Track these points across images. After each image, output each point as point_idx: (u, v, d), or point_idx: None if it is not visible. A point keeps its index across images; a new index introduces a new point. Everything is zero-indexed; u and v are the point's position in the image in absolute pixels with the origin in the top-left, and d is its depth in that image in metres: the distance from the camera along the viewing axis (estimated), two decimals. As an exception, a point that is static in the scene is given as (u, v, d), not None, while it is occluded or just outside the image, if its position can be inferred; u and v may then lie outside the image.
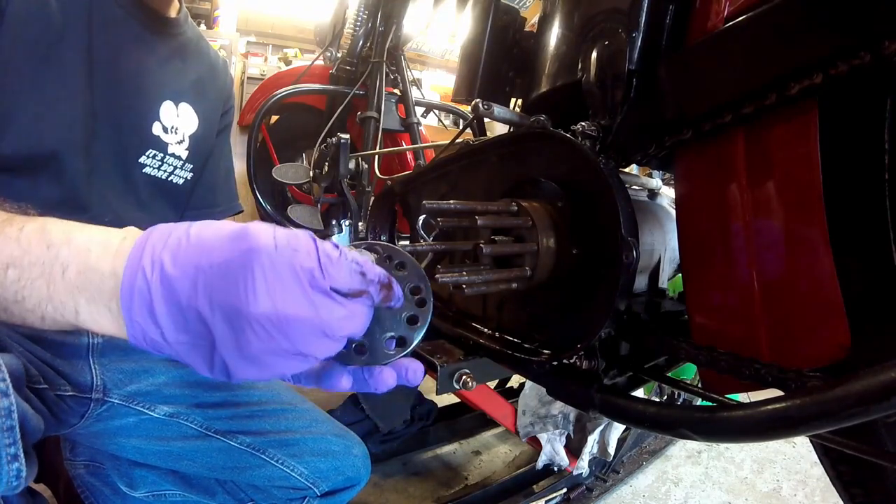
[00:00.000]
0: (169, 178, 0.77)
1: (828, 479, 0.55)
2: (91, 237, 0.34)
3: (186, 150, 0.77)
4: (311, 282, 0.31)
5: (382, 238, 0.88)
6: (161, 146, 0.73)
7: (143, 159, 0.72)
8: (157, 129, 0.72)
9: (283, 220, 1.59)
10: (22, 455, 0.34)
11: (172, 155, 0.75)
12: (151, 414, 0.69)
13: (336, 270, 0.32)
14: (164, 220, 0.70)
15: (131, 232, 0.34)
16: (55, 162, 0.61)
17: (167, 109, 0.74)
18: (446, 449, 1.45)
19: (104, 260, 0.32)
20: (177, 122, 0.76)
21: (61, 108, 0.60)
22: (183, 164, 0.78)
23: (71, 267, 0.32)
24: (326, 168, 1.18)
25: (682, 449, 1.52)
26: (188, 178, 0.80)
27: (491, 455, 1.45)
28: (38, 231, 0.34)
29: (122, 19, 0.66)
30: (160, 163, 0.74)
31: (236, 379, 0.32)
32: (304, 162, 1.71)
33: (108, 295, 0.32)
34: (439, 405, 1.46)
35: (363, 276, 0.34)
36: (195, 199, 0.85)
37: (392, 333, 0.39)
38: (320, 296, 0.31)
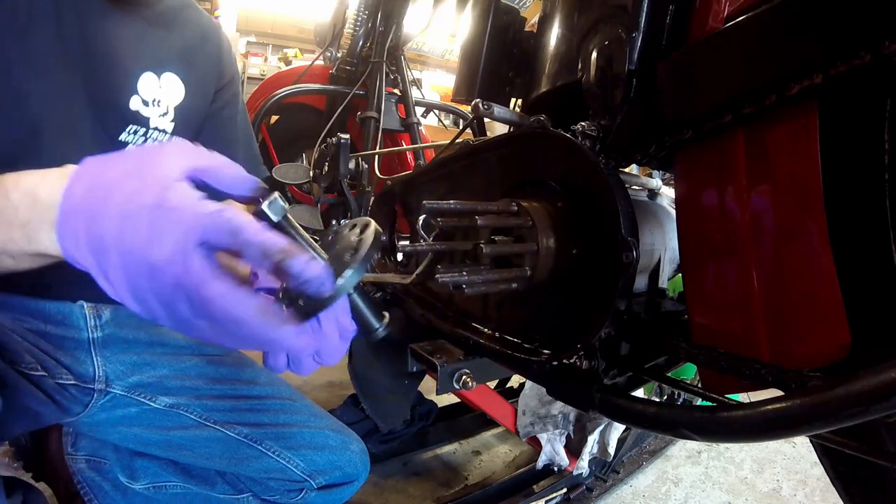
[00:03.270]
0: None
1: (828, 479, 0.55)
2: (36, 180, 0.38)
3: (172, 121, 0.75)
4: (178, 239, 0.32)
5: (382, 239, 0.88)
6: (142, 121, 0.71)
7: (124, 136, 0.70)
8: (135, 103, 0.70)
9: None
10: None
11: (156, 129, 0.73)
12: (152, 405, 0.71)
13: (208, 225, 0.33)
14: None
15: (68, 170, 0.38)
16: (37, 143, 0.60)
17: (147, 81, 0.71)
18: (446, 449, 1.45)
19: (45, 196, 0.37)
20: (159, 93, 0.73)
21: (38, 87, 0.59)
22: (169, 138, 0.75)
23: (21, 209, 0.37)
24: (326, 168, 1.18)
25: (682, 449, 1.52)
26: None
27: (491, 455, 1.45)
28: None
29: (89, 1, 0.64)
30: (143, 138, 0.72)
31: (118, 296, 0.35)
32: (304, 162, 1.71)
33: (48, 226, 0.36)
34: (439, 405, 1.46)
35: (235, 233, 0.33)
36: None
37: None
38: (189, 251, 0.32)
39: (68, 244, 0.36)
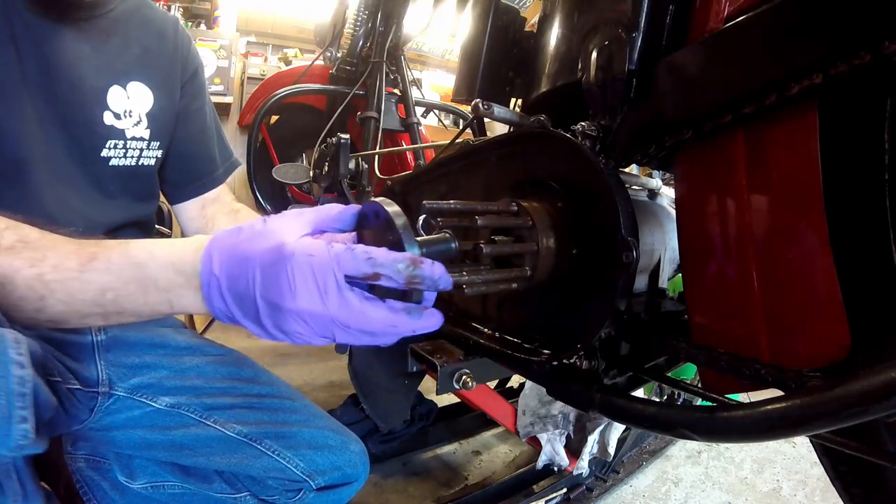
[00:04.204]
0: (140, 163, 0.74)
1: (828, 479, 0.55)
2: (169, 251, 0.43)
3: (146, 128, 0.75)
4: (325, 280, 0.37)
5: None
6: (118, 134, 0.71)
7: (105, 153, 0.70)
8: (108, 118, 0.69)
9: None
10: (32, 420, 0.39)
11: (133, 138, 0.73)
12: (154, 405, 0.71)
13: (344, 262, 0.38)
14: (142, 210, 0.79)
15: (200, 241, 0.43)
16: (18, 177, 0.60)
17: (115, 95, 0.71)
18: (446, 449, 1.45)
19: (184, 266, 0.42)
20: (128, 104, 0.72)
21: (6, 120, 0.59)
22: (149, 144, 0.75)
23: (160, 278, 0.43)
24: (326, 168, 1.18)
25: (682, 449, 1.52)
26: (159, 156, 0.78)
27: (491, 455, 1.45)
28: (123, 256, 0.43)
29: (41, 21, 0.62)
30: (124, 150, 0.72)
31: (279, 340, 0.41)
32: (304, 162, 1.71)
33: (193, 290, 0.42)
34: (439, 405, 1.46)
35: (372, 261, 0.37)
36: (174, 174, 0.84)
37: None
38: (334, 291, 0.37)
39: (216, 304, 0.41)
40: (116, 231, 0.72)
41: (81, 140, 0.67)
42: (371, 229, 0.43)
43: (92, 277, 0.42)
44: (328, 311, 0.38)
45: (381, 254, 0.38)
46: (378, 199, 0.42)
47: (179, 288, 0.43)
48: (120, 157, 0.72)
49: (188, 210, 0.88)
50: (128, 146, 0.72)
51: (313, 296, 0.37)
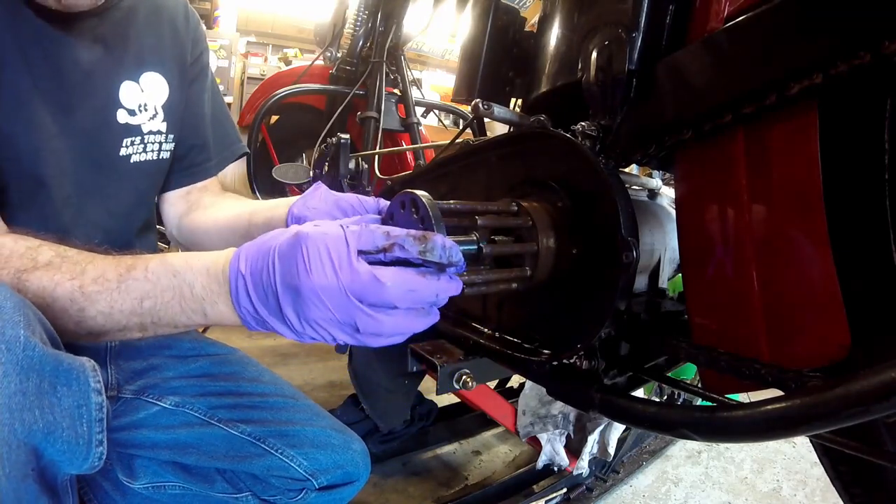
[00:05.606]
0: (160, 157, 0.74)
1: (828, 479, 0.55)
2: (203, 258, 0.44)
3: (163, 121, 0.73)
4: (339, 253, 0.38)
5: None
6: (134, 130, 0.70)
7: (123, 151, 0.69)
8: (122, 116, 0.68)
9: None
10: (105, 441, 0.42)
11: (150, 132, 0.72)
12: (160, 404, 0.71)
13: (359, 236, 0.39)
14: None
15: (232, 249, 0.44)
16: (39, 191, 0.60)
17: (127, 90, 0.69)
18: (446, 449, 1.45)
19: (217, 272, 0.43)
20: (142, 97, 0.71)
21: (20, 138, 0.58)
22: (167, 137, 0.74)
23: (196, 284, 0.43)
24: (326, 168, 1.18)
25: (682, 449, 1.52)
26: (173, 149, 0.77)
27: (491, 455, 1.44)
28: (161, 265, 0.44)
29: (50, 26, 0.60)
30: (143, 146, 0.71)
31: (306, 339, 0.41)
32: (304, 162, 1.71)
33: (225, 296, 0.43)
34: (439, 405, 1.46)
35: (387, 234, 0.39)
36: (183, 160, 0.81)
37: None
38: (346, 263, 0.38)
39: (243, 303, 0.41)
40: (139, 235, 0.73)
41: (98, 143, 0.67)
42: (398, 220, 0.45)
43: (130, 286, 0.43)
44: (341, 283, 0.37)
45: (396, 229, 0.40)
46: (408, 190, 0.43)
47: (213, 294, 0.43)
48: (140, 153, 0.71)
49: (170, 197, 0.84)
50: (146, 140, 0.71)
51: (327, 269, 0.37)
